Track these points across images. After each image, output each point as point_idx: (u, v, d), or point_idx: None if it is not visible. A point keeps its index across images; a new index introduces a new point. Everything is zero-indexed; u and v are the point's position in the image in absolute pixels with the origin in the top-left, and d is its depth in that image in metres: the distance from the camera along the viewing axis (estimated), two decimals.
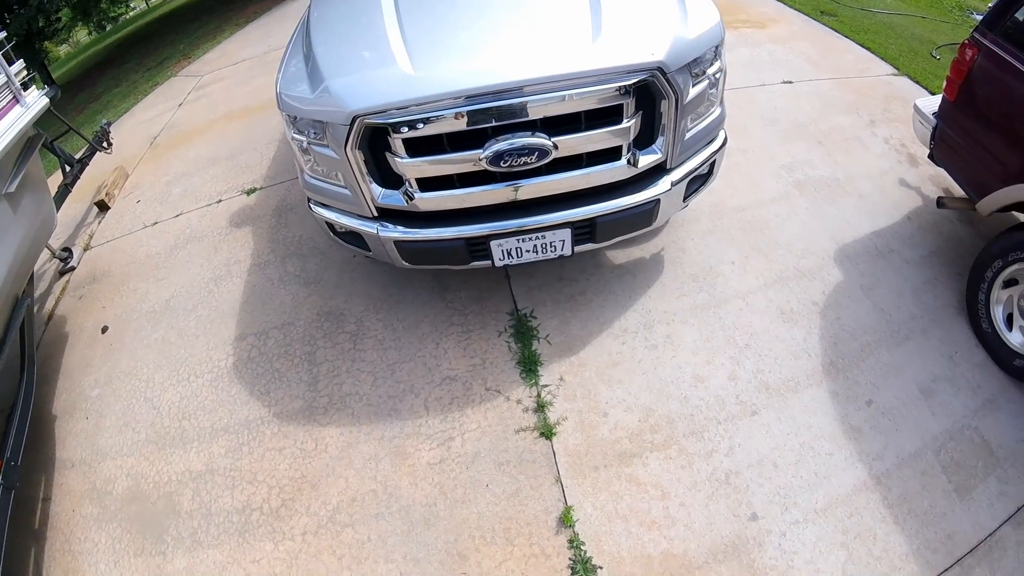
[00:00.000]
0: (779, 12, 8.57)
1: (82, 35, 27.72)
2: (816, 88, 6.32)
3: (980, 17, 9.24)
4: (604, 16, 3.13)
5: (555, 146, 2.98)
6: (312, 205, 3.65)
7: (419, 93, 2.91)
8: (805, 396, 3.43)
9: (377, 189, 3.26)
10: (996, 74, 3.62)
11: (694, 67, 3.14)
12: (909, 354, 3.68)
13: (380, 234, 3.36)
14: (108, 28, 23.43)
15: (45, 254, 5.28)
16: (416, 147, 3.05)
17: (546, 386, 3.58)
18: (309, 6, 4.06)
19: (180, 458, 3.69)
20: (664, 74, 2.97)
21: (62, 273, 5.53)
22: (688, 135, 3.34)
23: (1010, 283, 3.61)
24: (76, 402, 4.19)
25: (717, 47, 3.28)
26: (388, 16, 3.41)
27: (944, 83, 4.01)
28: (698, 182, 3.62)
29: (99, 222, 6.17)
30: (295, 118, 3.27)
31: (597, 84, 2.90)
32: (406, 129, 2.93)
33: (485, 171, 3.05)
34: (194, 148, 7.12)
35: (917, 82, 6.60)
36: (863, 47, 7.42)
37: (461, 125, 2.93)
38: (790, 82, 6.41)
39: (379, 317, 4.15)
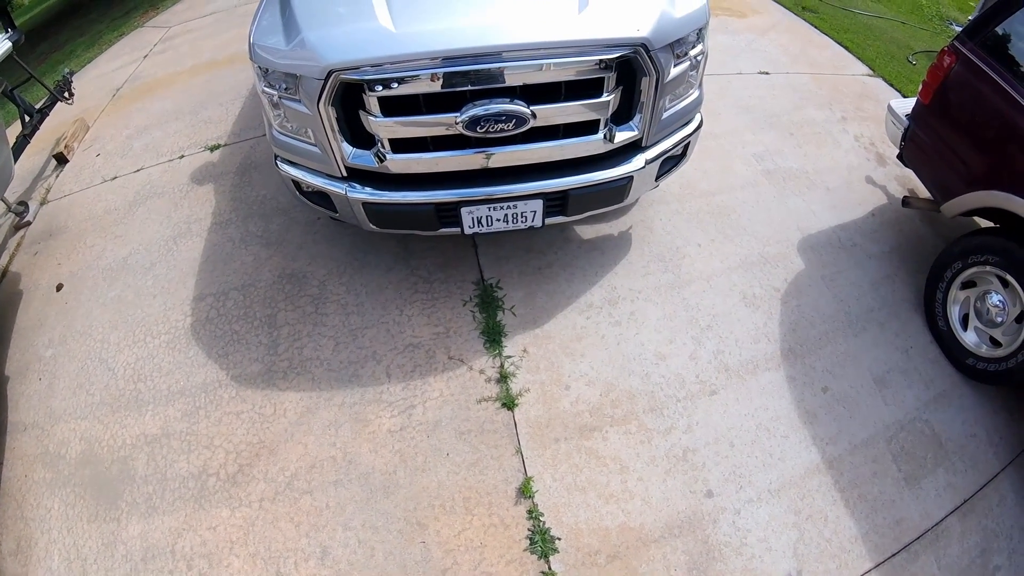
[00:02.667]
0: (761, 3, 8.62)
1: None
2: (792, 81, 6.40)
3: (959, 28, 9.52)
4: None
5: (533, 115, 2.99)
6: (279, 162, 3.57)
7: (399, 50, 2.87)
8: (763, 379, 3.51)
9: (348, 148, 3.20)
10: (971, 82, 3.72)
11: (677, 47, 3.17)
12: (866, 345, 3.79)
13: (348, 195, 3.31)
14: None
15: (0, 207, 5.18)
16: (391, 107, 2.99)
17: (509, 357, 3.61)
18: None
19: (135, 421, 3.63)
20: (647, 51, 2.99)
21: (17, 228, 5.40)
22: (665, 115, 3.38)
23: (968, 285, 3.73)
24: (30, 363, 4.12)
25: (701, 29, 3.31)
26: None
27: (920, 87, 4.11)
28: (671, 162, 3.66)
29: (57, 175, 6.03)
30: (267, 71, 3.17)
31: (580, 55, 2.91)
32: (382, 87, 2.89)
33: (460, 135, 3.04)
34: (158, 101, 6.97)
35: (891, 84, 6.72)
36: (841, 45, 7.51)
37: (439, 87, 2.90)
38: (767, 73, 6.48)
39: (342, 281, 4.13)
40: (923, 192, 4.52)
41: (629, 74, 3.09)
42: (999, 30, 3.66)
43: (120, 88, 7.58)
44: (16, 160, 5.23)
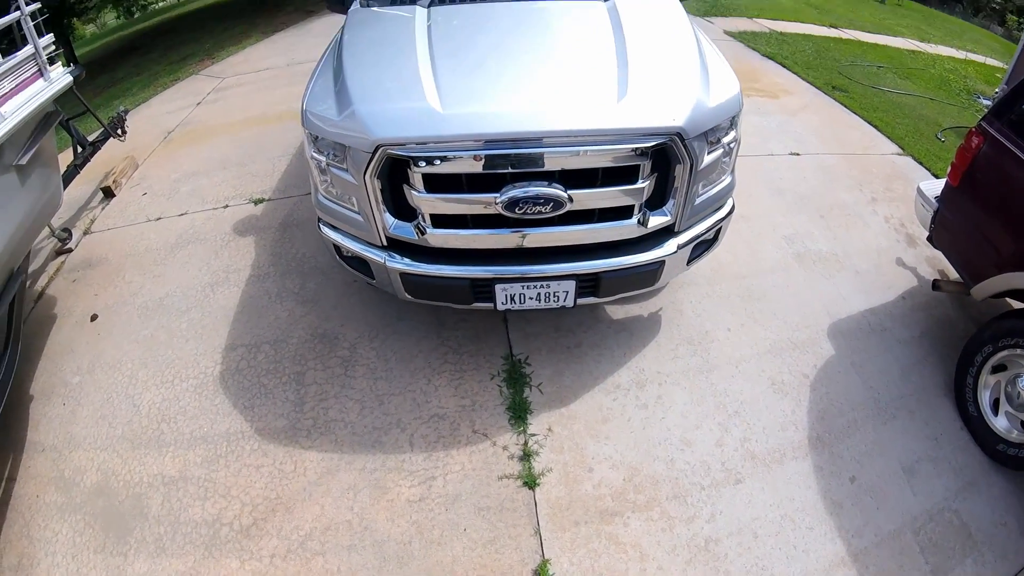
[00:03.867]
0: (792, 83, 8.74)
1: (110, 17, 27.90)
2: (822, 162, 6.43)
3: (987, 102, 9.58)
4: (631, 76, 3.21)
5: (570, 199, 3.03)
6: (321, 226, 3.68)
7: (445, 131, 2.97)
8: (790, 468, 3.43)
9: (390, 219, 3.29)
10: (999, 163, 3.69)
11: (711, 135, 3.22)
12: (895, 433, 3.70)
13: (387, 264, 3.38)
14: (136, 15, 23.61)
15: (44, 231, 5.25)
16: (434, 183, 3.09)
17: (534, 435, 3.58)
18: (343, 27, 4.13)
19: (154, 460, 3.63)
20: (682, 139, 3.04)
21: (59, 253, 5.49)
22: (698, 200, 3.41)
23: (999, 368, 3.64)
24: (55, 386, 4.15)
25: (734, 117, 3.37)
26: (421, 50, 3.49)
27: (948, 168, 4.09)
28: (703, 247, 3.68)
29: (103, 208, 6.16)
30: (317, 138, 3.31)
31: (618, 143, 2.98)
32: (426, 164, 2.98)
33: (499, 215, 3.10)
34: (207, 148, 7.15)
35: (920, 163, 6.73)
36: (871, 124, 7.57)
37: (481, 167, 2.98)
38: (797, 154, 6.52)
39: (373, 346, 4.15)
40: (953, 274, 4.48)
41: (664, 161, 3.14)
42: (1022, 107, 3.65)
43: (172, 131, 7.81)
44: (65, 188, 5.33)
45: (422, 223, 3.24)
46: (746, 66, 9.26)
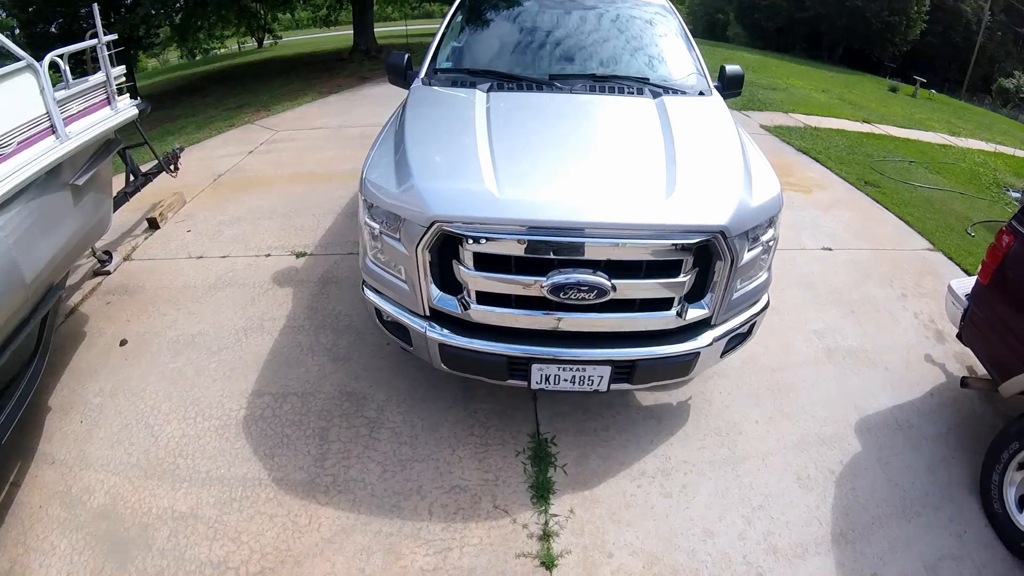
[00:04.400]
0: (825, 178, 8.94)
1: (173, 56, 29.07)
2: (854, 257, 6.56)
3: (1016, 195, 9.69)
4: (679, 174, 3.42)
5: (613, 288, 3.18)
6: (366, 288, 3.82)
7: (499, 214, 3.13)
8: (812, 564, 3.44)
9: (435, 291, 3.43)
10: None
11: (751, 232, 3.39)
12: (919, 530, 3.70)
13: (427, 334, 3.50)
14: (198, 57, 24.64)
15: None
16: (484, 262, 3.23)
17: (555, 516, 3.61)
18: (406, 102, 4.40)
19: (166, 493, 3.65)
20: (725, 237, 3.21)
21: (96, 273, 5.71)
22: (736, 295, 3.55)
23: None
24: (75, 403, 4.24)
25: (774, 216, 3.55)
26: (480, 133, 3.72)
27: (979, 266, 4.19)
28: (737, 340, 3.81)
29: (146, 238, 6.41)
30: (372, 205, 3.49)
31: (664, 239, 3.14)
32: (478, 243, 3.14)
33: (543, 297, 3.23)
34: (255, 196, 7.44)
35: (951, 258, 6.83)
36: (902, 220, 7.70)
37: (531, 251, 3.15)
38: (829, 249, 6.66)
39: (400, 410, 4.23)
40: (981, 371, 4.53)
41: (705, 256, 3.30)
42: None
43: (222, 175, 8.18)
44: (113, 213, 5.56)
45: (467, 298, 3.37)
46: (780, 160, 9.50)
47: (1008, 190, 10.33)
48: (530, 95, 4.36)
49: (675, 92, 4.55)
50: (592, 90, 4.42)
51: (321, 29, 40.41)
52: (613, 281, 3.18)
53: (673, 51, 5.17)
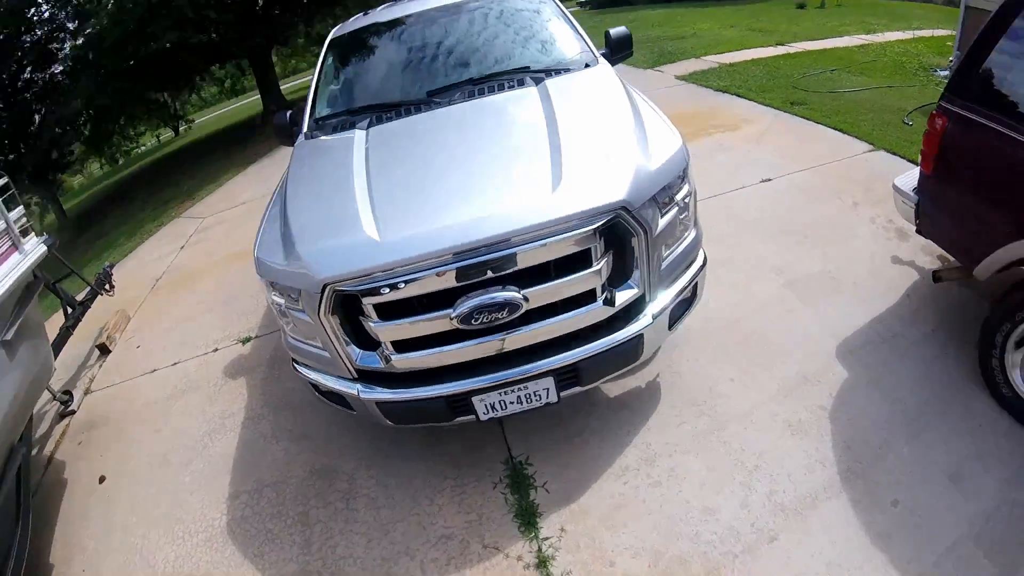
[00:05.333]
0: (751, 111, 8.86)
1: (96, 167, 28.94)
2: (795, 181, 6.43)
3: (944, 73, 9.61)
4: (564, 161, 3.23)
5: (526, 299, 3.01)
6: (296, 365, 3.72)
7: (385, 259, 2.97)
8: (825, 511, 3.27)
9: (355, 351, 3.30)
10: (971, 138, 3.64)
11: (661, 196, 3.22)
12: (930, 441, 3.54)
13: (361, 396, 3.38)
14: (121, 161, 24.59)
15: (45, 395, 5.32)
16: (388, 311, 3.09)
17: (547, 539, 3.44)
18: (288, 167, 4.26)
19: None
20: (629, 212, 3.03)
21: (62, 416, 5.59)
22: (664, 264, 3.38)
23: (1023, 342, 3.48)
24: (73, 553, 4.15)
25: (683, 170, 3.38)
26: (359, 178, 3.58)
27: (919, 157, 4.04)
28: (683, 307, 3.62)
29: (100, 365, 6.29)
30: (273, 282, 3.38)
31: (561, 234, 2.95)
32: (375, 294, 3.00)
33: (458, 329, 3.07)
34: (194, 292, 7.37)
35: (894, 153, 6.77)
36: (836, 130, 7.63)
37: (430, 287, 2.98)
38: (768, 180, 6.53)
39: (371, 473, 4.09)
40: (951, 260, 4.36)
41: (618, 236, 3.12)
42: (982, 74, 3.59)
43: (159, 279, 8.13)
44: (58, 352, 5.47)
45: (386, 351, 3.23)
46: (702, 105, 9.47)
47: (936, 70, 10.30)
48: (409, 120, 4.21)
49: (558, 72, 4.39)
50: (472, 95, 4.27)
51: (232, 101, 40.62)
52: (524, 292, 3.01)
53: (550, 32, 5.03)
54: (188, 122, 28.07)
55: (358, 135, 4.12)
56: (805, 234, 5.45)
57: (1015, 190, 3.41)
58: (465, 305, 2.99)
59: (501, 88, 4.25)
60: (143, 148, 31.05)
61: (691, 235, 3.58)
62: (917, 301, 4.50)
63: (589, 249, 3.02)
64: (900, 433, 3.61)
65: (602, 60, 4.61)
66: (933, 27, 13.77)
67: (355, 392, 3.40)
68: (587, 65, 4.48)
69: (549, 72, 4.38)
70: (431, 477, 3.96)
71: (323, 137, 4.46)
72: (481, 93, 4.26)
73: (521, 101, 4.02)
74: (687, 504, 3.44)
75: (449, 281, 2.96)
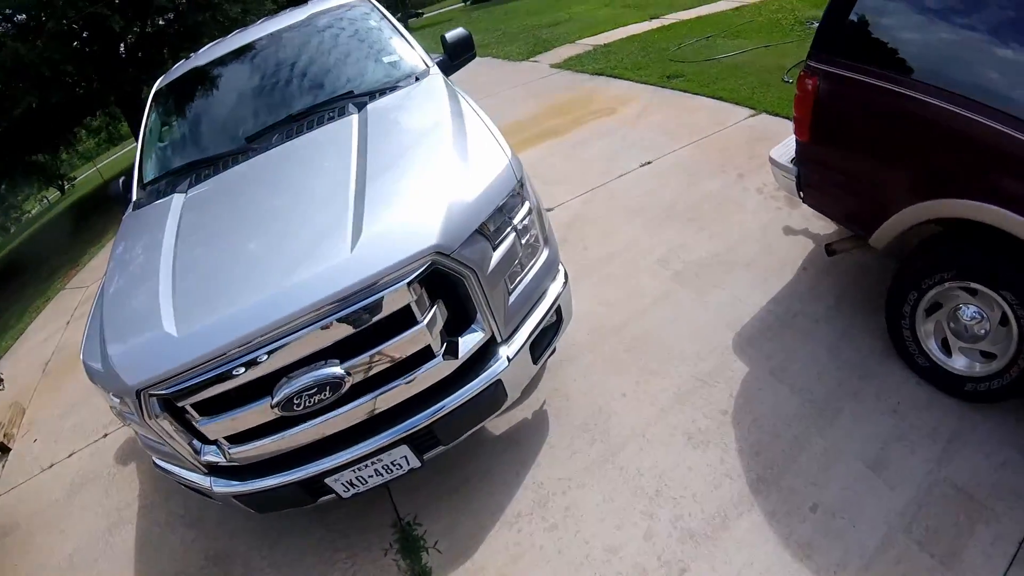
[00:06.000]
0: (627, 91, 8.66)
1: None
2: (677, 160, 6.20)
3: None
4: (367, 209, 2.85)
5: (348, 373, 2.62)
6: (155, 460, 3.36)
7: (183, 358, 2.60)
8: (738, 530, 2.96)
9: (197, 445, 2.93)
10: (847, 96, 3.37)
11: (492, 223, 2.85)
12: (846, 429, 3.27)
13: (214, 489, 3.03)
14: (12, 230, 23.67)
15: None
16: (205, 408, 2.72)
17: None
18: (112, 248, 3.86)
19: None
20: (447, 255, 2.65)
21: None
22: (513, 297, 2.99)
23: (933, 309, 3.26)
24: None
25: (514, 189, 2.99)
26: (165, 258, 3.20)
27: (792, 124, 3.76)
28: (548, 335, 3.25)
29: (2, 466, 5.86)
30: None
31: (366, 298, 2.56)
32: (189, 394, 2.64)
33: (284, 416, 2.70)
34: (81, 372, 6.76)
35: (777, 114, 6.62)
36: (715, 98, 7.50)
37: (240, 379, 2.60)
38: (649, 162, 6.29)
39: (263, 555, 3.72)
40: (844, 231, 4.11)
41: (444, 282, 2.74)
42: (851, 25, 3.32)
43: (49, 361, 7.63)
44: None
45: (221, 445, 2.85)
46: (578, 92, 9.28)
47: (811, 23, 10.28)
48: (224, 176, 3.78)
49: (383, 93, 4.02)
50: (289, 135, 3.86)
51: (116, 149, 39.63)
52: (346, 365, 2.63)
53: (376, 46, 4.64)
54: (69, 180, 26.99)
55: (175, 201, 3.72)
56: (690, 217, 5.19)
57: (904, 147, 3.16)
58: (284, 391, 2.61)
59: (321, 121, 3.85)
60: (31, 213, 29.87)
61: (543, 256, 3.21)
62: (815, 273, 4.26)
63: (408, 307, 2.63)
64: (811, 426, 3.34)
65: (434, 70, 4.25)
66: None
67: (208, 485, 3.05)
68: (417, 79, 4.12)
69: (373, 94, 4.01)
70: (323, 551, 3.59)
71: (145, 207, 4.02)
72: (300, 130, 3.85)
73: (337, 135, 3.61)
74: (587, 545, 3.09)
75: (259, 369, 2.59)
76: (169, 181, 4.13)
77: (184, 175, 4.05)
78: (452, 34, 4.64)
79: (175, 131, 4.76)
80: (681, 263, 4.69)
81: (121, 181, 4.56)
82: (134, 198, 4.29)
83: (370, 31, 4.78)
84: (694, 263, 4.66)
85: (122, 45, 18.69)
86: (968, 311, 3.11)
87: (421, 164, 3.13)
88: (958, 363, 3.21)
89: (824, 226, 4.56)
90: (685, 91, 7.96)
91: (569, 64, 10.84)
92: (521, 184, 3.04)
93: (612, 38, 12.08)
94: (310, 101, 4.21)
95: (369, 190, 2.95)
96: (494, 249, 2.84)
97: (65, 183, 26.08)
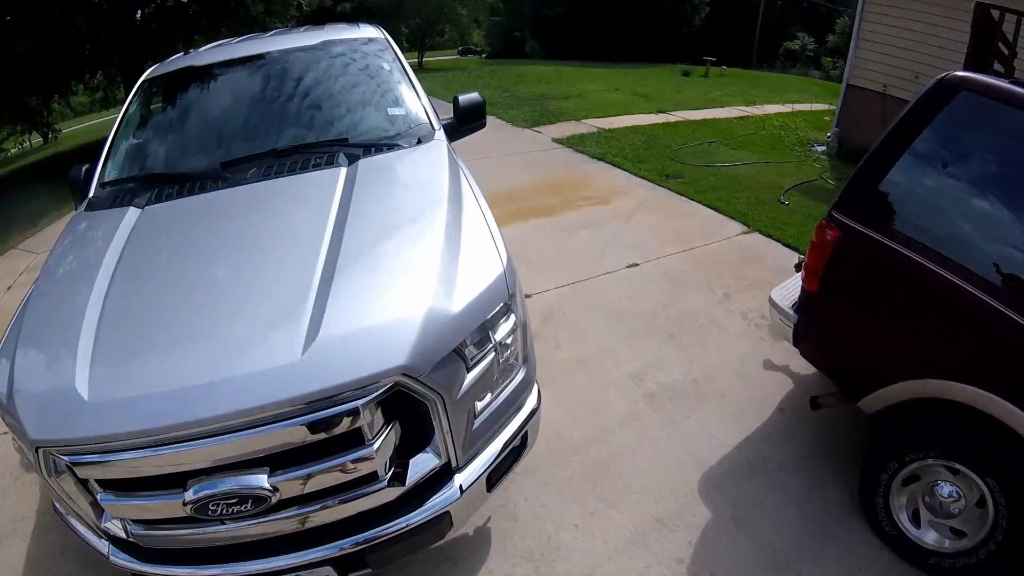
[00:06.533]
0: (625, 183, 8.55)
1: None
2: (664, 267, 6.04)
3: (820, 148, 9.65)
4: (331, 301, 2.46)
5: (275, 489, 2.26)
6: (55, 504, 2.84)
7: (88, 432, 2.23)
8: None
9: (100, 511, 2.52)
10: (866, 255, 3.22)
11: (472, 340, 2.53)
12: None
13: (112, 558, 2.57)
14: None
15: None
16: (108, 484, 2.35)
17: None
18: (50, 251, 3.40)
19: None
20: (415, 378, 2.31)
21: None
22: (479, 422, 2.65)
23: (911, 479, 3.11)
24: None
25: (505, 304, 2.69)
26: (95, 296, 2.74)
27: (801, 271, 3.60)
28: (508, 460, 2.90)
29: None
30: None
31: (311, 413, 2.21)
32: (87, 466, 2.27)
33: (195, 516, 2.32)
34: None
35: (769, 235, 6.58)
36: (710, 208, 7.42)
37: (152, 469, 2.25)
38: (636, 264, 6.11)
39: None
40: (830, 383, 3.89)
41: (405, 399, 2.39)
42: (884, 188, 3.22)
43: None
44: None
45: (123, 522, 2.47)
46: (575, 173, 9.12)
47: (812, 145, 10.38)
48: (189, 202, 3.38)
49: (380, 149, 3.69)
50: (269, 174, 3.51)
51: (105, 113, 39.46)
52: (275, 480, 2.26)
53: (382, 94, 4.31)
54: (55, 131, 26.26)
55: (129, 216, 3.28)
56: (671, 333, 4.98)
57: (918, 320, 3.06)
58: (201, 492, 2.24)
59: (305, 166, 3.50)
60: (7, 154, 29.06)
61: (519, 376, 2.88)
62: (791, 417, 4.08)
63: (358, 428, 2.29)
64: None
65: (439, 135, 3.92)
66: (811, 100, 14.12)
67: (106, 552, 2.60)
68: (419, 140, 3.80)
69: (369, 148, 3.67)
70: None
71: (99, 211, 3.56)
72: (281, 171, 3.50)
73: (319, 190, 3.25)
74: None
75: (177, 462, 2.24)
76: (129, 189, 3.71)
77: (146, 186, 3.64)
78: (466, 98, 4.31)
79: (151, 131, 4.36)
80: (655, 383, 4.45)
81: (84, 169, 4.05)
82: (91, 194, 3.85)
83: (380, 72, 4.46)
84: (668, 386, 4.42)
85: (139, 12, 18.46)
86: (946, 488, 3.00)
87: (404, 255, 2.78)
88: (927, 536, 3.08)
89: (805, 365, 4.36)
90: (682, 194, 7.87)
91: (571, 142, 10.75)
92: (512, 296, 2.74)
93: (617, 124, 12.05)
94: (300, 138, 3.88)
95: (338, 278, 2.59)
96: (469, 371, 2.52)
97: (50, 132, 25.46)
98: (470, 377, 2.51)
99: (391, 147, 3.72)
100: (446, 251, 2.74)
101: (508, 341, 2.71)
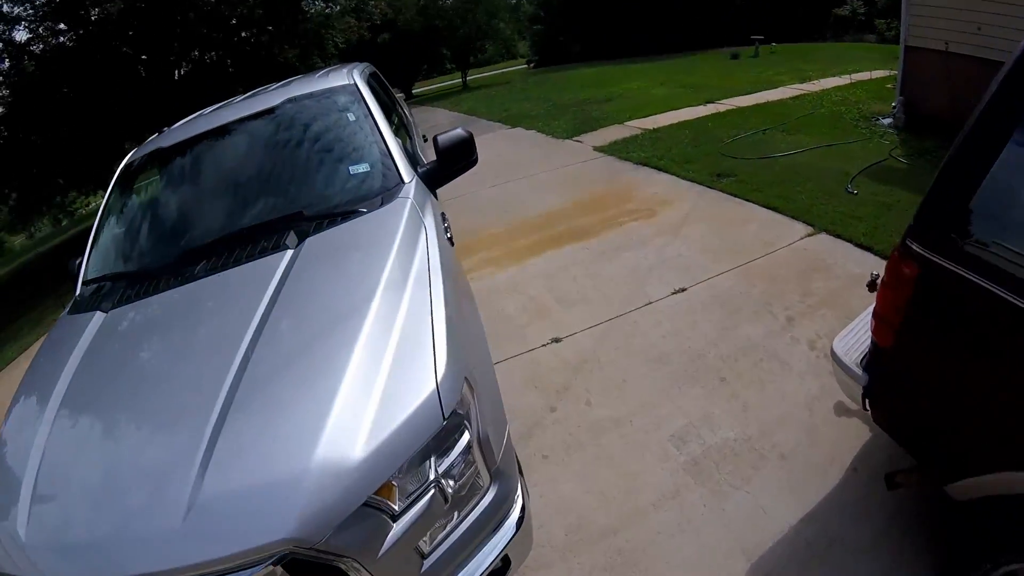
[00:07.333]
0: (671, 189, 7.83)
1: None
2: (716, 289, 5.31)
3: (889, 122, 8.67)
4: (214, 458, 2.03)
5: None
6: None
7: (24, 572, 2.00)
8: None
9: None
10: (961, 302, 2.26)
11: (395, 486, 2.00)
12: None
13: None
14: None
15: None
16: None
17: None
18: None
19: None
20: (309, 547, 1.83)
21: None
22: (430, 562, 2.10)
23: None
24: None
25: (440, 430, 2.09)
26: (41, 435, 2.44)
27: (869, 322, 2.71)
28: None
29: None
30: None
31: None
32: None
33: None
34: None
35: (838, 235, 5.76)
36: (767, 207, 6.65)
37: None
38: (683, 289, 5.39)
39: None
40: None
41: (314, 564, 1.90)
42: (973, 205, 2.22)
43: None
44: None
45: None
46: (617, 184, 8.48)
47: (877, 119, 9.45)
48: (146, 306, 3.08)
49: (336, 220, 3.21)
50: (215, 266, 3.10)
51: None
52: None
53: (348, 152, 3.83)
54: (68, 213, 26.85)
55: (92, 325, 3.03)
56: (722, 376, 4.24)
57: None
58: None
59: (251, 254, 3.07)
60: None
61: (488, 496, 2.29)
62: (867, 479, 3.26)
63: None
64: None
65: (406, 190, 3.40)
66: (870, 69, 13.07)
67: None
68: (383, 201, 3.30)
69: (323, 220, 3.20)
70: None
71: (73, 318, 3.28)
72: (227, 262, 3.09)
73: (254, 286, 2.79)
74: None
75: None
76: (101, 288, 3.48)
77: (114, 286, 3.39)
78: (446, 137, 3.77)
79: (124, 223, 4.06)
80: (700, 445, 3.72)
81: (76, 263, 3.88)
82: (76, 292, 3.64)
83: (345, 126, 4.00)
84: (716, 448, 3.68)
85: (176, 72, 18.73)
86: None
87: (309, 381, 2.23)
88: None
89: None
90: (735, 195, 7.12)
91: (614, 148, 10.08)
92: (455, 414, 2.13)
93: (663, 122, 11.36)
94: (257, 217, 3.46)
95: (232, 415, 2.13)
96: (396, 519, 1.98)
97: (63, 217, 25.86)
98: (398, 527, 1.98)
99: (347, 215, 3.25)
100: (363, 366, 2.21)
101: (461, 466, 2.14)
